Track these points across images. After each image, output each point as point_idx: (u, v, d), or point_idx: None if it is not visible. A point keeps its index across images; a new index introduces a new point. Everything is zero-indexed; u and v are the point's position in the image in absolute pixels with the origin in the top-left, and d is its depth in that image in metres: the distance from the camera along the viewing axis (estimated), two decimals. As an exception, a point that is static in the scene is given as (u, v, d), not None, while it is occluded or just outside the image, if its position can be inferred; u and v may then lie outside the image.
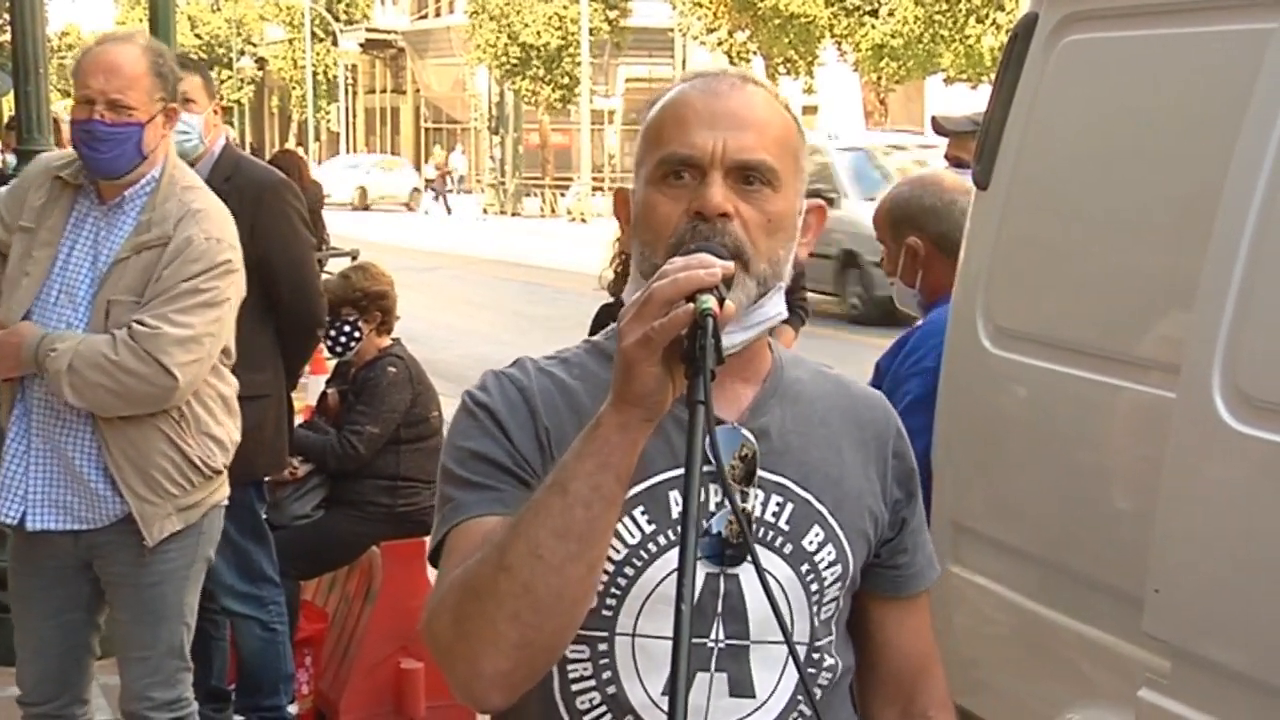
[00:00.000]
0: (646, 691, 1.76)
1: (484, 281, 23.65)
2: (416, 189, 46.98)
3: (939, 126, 6.12)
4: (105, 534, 3.76)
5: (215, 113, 4.73)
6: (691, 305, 1.57)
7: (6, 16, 15.63)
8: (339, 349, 5.49)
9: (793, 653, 1.68)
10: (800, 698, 1.81)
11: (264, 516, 4.95)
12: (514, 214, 42.75)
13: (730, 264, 1.64)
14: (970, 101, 23.95)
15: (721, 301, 1.59)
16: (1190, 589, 2.74)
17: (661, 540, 1.76)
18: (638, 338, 1.58)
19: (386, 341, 5.52)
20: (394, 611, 5.25)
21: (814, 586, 1.81)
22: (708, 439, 1.55)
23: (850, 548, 1.84)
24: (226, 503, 3.97)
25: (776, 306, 1.79)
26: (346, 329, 5.42)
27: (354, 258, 12.43)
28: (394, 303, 5.57)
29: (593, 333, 5.00)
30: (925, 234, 3.65)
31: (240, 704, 5.04)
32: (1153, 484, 2.80)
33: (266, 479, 5.01)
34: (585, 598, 1.66)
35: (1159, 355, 2.93)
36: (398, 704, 5.21)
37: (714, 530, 1.77)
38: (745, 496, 1.78)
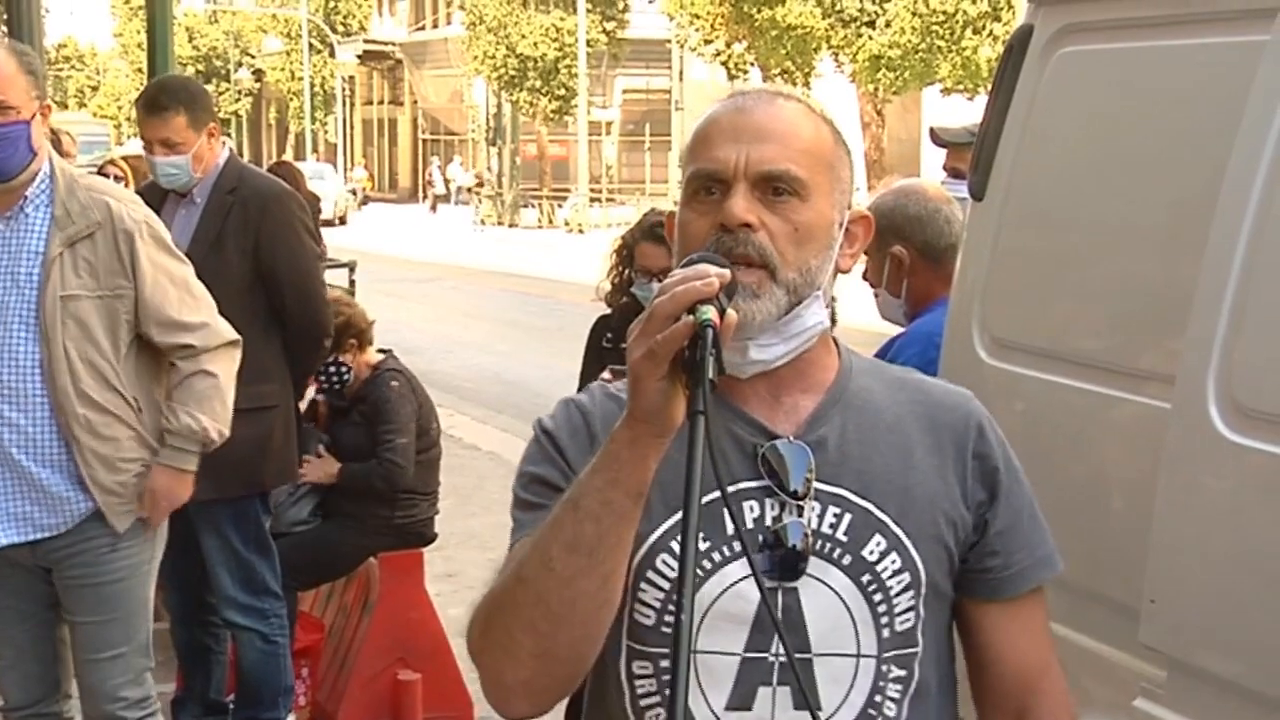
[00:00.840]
0: (710, 707, 1.76)
1: (481, 292, 23.66)
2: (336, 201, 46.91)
3: (936, 137, 6.09)
4: (64, 540, 3.80)
5: (211, 135, 4.73)
6: (691, 318, 1.58)
7: (4, 29, 15.61)
8: (338, 387, 5.47)
9: (791, 663, 1.68)
10: (873, 711, 1.79)
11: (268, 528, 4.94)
12: (511, 225, 42.75)
13: (726, 272, 1.64)
14: (967, 112, 23.96)
15: (723, 312, 1.60)
16: (1186, 599, 2.74)
17: (716, 557, 1.76)
18: (643, 353, 1.60)
19: (375, 356, 5.50)
20: (392, 623, 5.25)
21: (878, 596, 1.79)
22: (708, 448, 1.56)
23: (919, 554, 1.81)
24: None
25: (816, 316, 1.80)
26: (333, 370, 5.40)
27: (352, 269, 12.42)
28: (361, 316, 5.52)
29: (589, 344, 5.04)
30: (910, 243, 3.66)
31: (238, 716, 5.04)
32: (1149, 494, 2.80)
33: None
34: (601, 610, 1.68)
35: (1154, 366, 2.94)
36: (395, 715, 5.21)
37: (789, 543, 1.76)
38: (800, 510, 1.78)
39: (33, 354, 3.70)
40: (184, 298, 3.91)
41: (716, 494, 1.71)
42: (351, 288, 12.14)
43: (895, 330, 3.80)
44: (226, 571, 4.81)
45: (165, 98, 4.71)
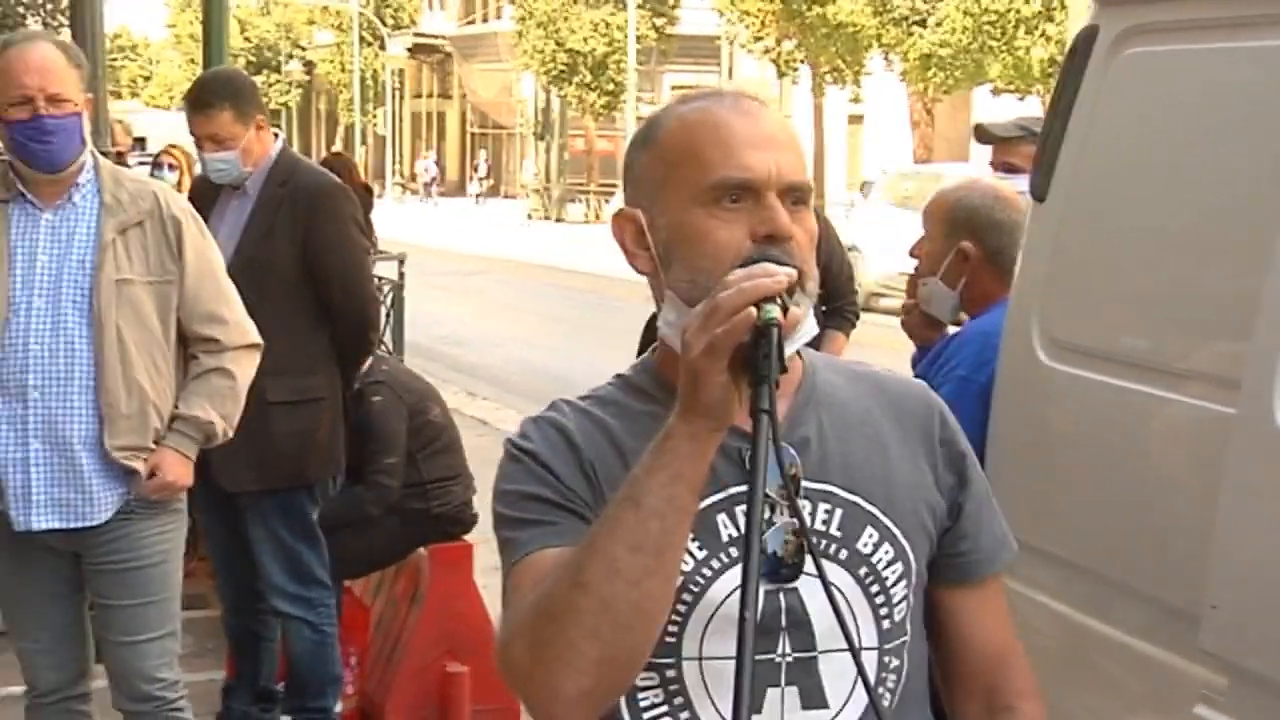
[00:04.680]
0: (719, 713, 1.76)
1: (529, 287, 23.70)
2: None
3: (983, 134, 5.93)
4: (104, 527, 3.83)
5: (260, 128, 4.75)
6: (754, 311, 1.58)
7: (61, 19, 15.73)
8: None
9: (856, 660, 1.67)
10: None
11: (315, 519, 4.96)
12: (558, 219, 42.82)
13: (794, 272, 1.65)
14: (1016, 111, 23.83)
15: (786, 310, 1.60)
16: (1249, 605, 2.72)
17: (715, 564, 1.77)
18: (703, 347, 1.59)
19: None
20: (440, 615, 5.27)
21: (875, 588, 1.81)
22: (772, 447, 1.57)
23: (908, 543, 1.84)
24: None
25: (813, 321, 1.80)
26: None
27: (401, 262, 12.45)
28: None
29: (643, 341, 5.04)
30: (983, 245, 3.62)
31: (288, 704, 5.08)
32: (1209, 499, 2.78)
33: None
34: (662, 611, 1.68)
35: (1217, 369, 2.91)
36: (443, 707, 5.23)
37: (769, 549, 1.77)
38: (790, 510, 1.78)
39: (85, 338, 3.75)
40: (221, 290, 3.98)
41: (708, 501, 1.73)
42: (401, 280, 12.20)
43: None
44: (274, 561, 4.84)
45: (210, 94, 4.74)
